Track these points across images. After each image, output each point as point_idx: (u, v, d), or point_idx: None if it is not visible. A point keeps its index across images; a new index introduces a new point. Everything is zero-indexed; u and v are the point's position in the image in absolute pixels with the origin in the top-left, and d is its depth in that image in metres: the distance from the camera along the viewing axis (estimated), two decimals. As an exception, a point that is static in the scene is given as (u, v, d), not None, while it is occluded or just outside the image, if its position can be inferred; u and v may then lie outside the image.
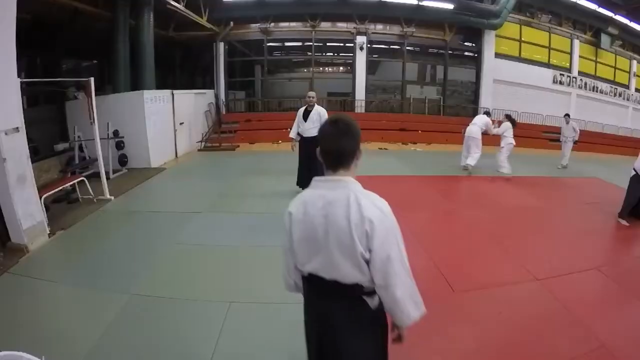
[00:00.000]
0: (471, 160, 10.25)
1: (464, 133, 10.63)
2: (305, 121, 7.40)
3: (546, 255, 5.27)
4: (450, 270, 4.66)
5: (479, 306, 3.97)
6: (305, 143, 7.43)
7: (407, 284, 1.80)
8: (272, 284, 3.84)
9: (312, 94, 7.56)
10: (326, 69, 20.66)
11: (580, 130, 12.58)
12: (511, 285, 4.42)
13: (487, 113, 11.40)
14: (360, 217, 1.68)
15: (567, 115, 12.35)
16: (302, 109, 7.57)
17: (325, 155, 1.81)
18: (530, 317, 3.77)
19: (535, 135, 16.73)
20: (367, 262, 1.73)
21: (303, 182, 7.40)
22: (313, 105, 7.40)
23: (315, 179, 1.86)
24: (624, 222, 6.76)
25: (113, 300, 3.90)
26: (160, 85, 12.17)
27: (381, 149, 14.26)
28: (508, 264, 4.99)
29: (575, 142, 12.32)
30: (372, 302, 1.85)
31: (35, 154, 8.04)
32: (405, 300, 1.79)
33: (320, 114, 7.31)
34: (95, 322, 3.54)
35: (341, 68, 20.36)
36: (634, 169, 6.81)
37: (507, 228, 6.44)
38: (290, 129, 7.79)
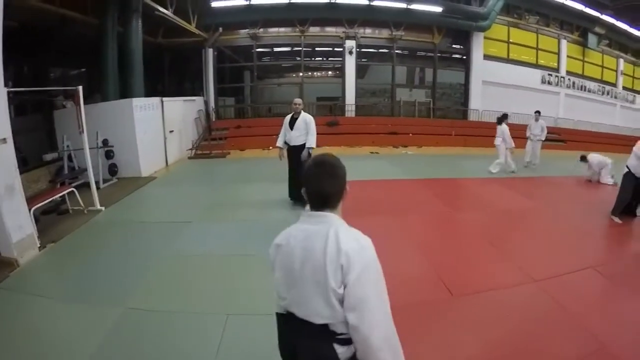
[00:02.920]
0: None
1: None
2: (292, 129, 7.18)
3: (542, 256, 5.28)
4: (448, 274, 4.64)
5: (478, 310, 3.94)
6: (293, 152, 7.26)
7: (385, 328, 1.64)
8: (269, 295, 3.78)
9: (298, 101, 7.32)
10: (315, 73, 20.65)
11: (548, 128, 12.51)
12: (509, 287, 4.41)
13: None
14: (337, 249, 1.62)
15: (538, 112, 12.10)
16: (288, 117, 7.36)
17: (310, 197, 1.78)
18: (529, 320, 3.76)
19: (525, 136, 16.80)
20: (341, 301, 1.61)
21: (293, 193, 7.28)
22: (299, 113, 7.18)
23: (302, 213, 1.84)
24: (616, 220, 6.80)
25: (107, 314, 3.81)
26: (149, 93, 12.06)
27: (372, 152, 14.28)
28: (505, 266, 4.98)
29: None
30: (343, 353, 1.68)
31: (24, 164, 7.93)
32: (381, 347, 1.61)
33: (306, 121, 7.13)
34: (90, 338, 3.45)
35: (330, 72, 20.37)
36: (627, 167, 6.85)
37: (501, 229, 6.47)
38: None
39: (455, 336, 3.49)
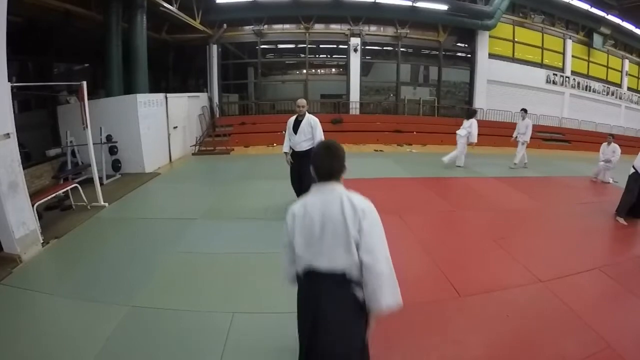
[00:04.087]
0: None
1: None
2: (296, 133, 6.57)
3: (548, 256, 5.25)
4: (455, 274, 4.61)
5: (486, 310, 3.92)
6: (297, 158, 6.69)
7: (389, 271, 2.18)
8: (275, 293, 3.78)
9: (301, 102, 6.58)
10: (320, 70, 20.61)
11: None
12: (516, 288, 4.39)
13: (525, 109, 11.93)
14: (353, 208, 2.16)
15: (524, 110, 11.92)
16: (291, 120, 6.72)
17: (319, 172, 2.29)
18: (536, 320, 3.75)
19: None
20: (357, 246, 2.14)
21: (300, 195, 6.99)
22: (304, 115, 6.55)
23: (314, 186, 2.32)
24: (621, 221, 6.76)
25: (112, 312, 3.79)
26: (153, 89, 12.08)
27: (377, 150, 14.23)
28: (511, 266, 4.96)
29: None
30: (360, 294, 2.20)
31: (27, 160, 7.92)
32: (389, 276, 2.17)
33: (312, 124, 6.49)
34: (94, 336, 3.43)
35: (335, 70, 20.33)
36: (634, 167, 6.80)
37: (506, 229, 6.41)
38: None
39: (463, 335, 3.47)
